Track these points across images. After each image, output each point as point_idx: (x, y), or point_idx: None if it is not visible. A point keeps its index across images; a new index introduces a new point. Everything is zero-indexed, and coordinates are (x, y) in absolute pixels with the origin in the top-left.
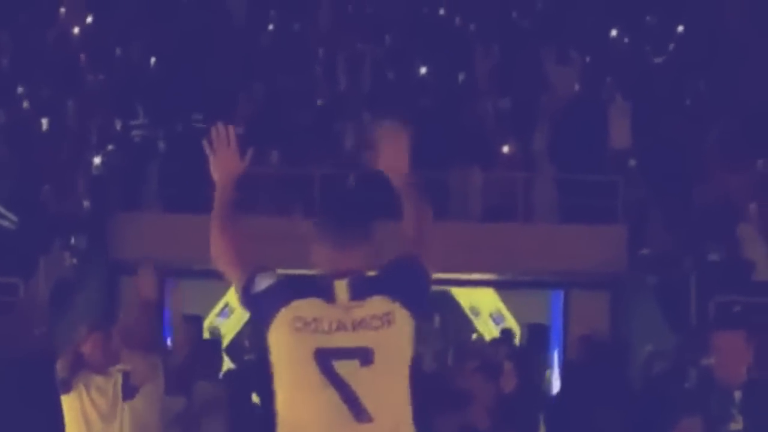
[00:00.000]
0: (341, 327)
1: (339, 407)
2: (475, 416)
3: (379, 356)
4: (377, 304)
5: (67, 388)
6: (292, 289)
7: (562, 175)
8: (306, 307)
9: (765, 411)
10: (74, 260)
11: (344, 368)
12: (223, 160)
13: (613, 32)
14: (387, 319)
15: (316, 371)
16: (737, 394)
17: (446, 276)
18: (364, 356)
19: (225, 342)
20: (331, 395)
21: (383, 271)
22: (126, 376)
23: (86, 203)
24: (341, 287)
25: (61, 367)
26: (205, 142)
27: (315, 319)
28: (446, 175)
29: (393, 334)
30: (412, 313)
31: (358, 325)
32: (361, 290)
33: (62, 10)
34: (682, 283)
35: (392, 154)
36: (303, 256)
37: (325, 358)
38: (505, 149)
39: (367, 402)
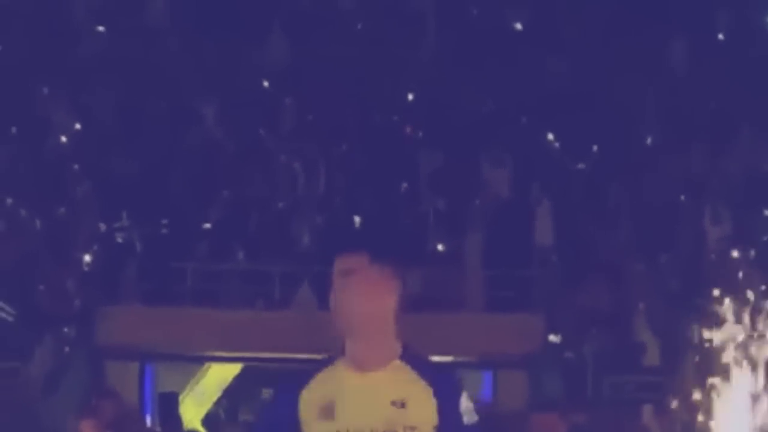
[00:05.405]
0: None
1: None
2: None
3: None
4: None
5: None
6: None
7: (489, 270)
8: None
9: None
10: (66, 348)
11: None
12: None
13: (550, 136)
14: None
15: None
16: None
17: None
18: None
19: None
20: None
21: None
22: None
23: (76, 298)
24: None
25: None
26: None
27: None
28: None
29: None
30: None
31: None
32: None
33: (53, 119)
34: (582, 365)
35: None
36: (265, 344)
37: None
38: (440, 247)
39: None
